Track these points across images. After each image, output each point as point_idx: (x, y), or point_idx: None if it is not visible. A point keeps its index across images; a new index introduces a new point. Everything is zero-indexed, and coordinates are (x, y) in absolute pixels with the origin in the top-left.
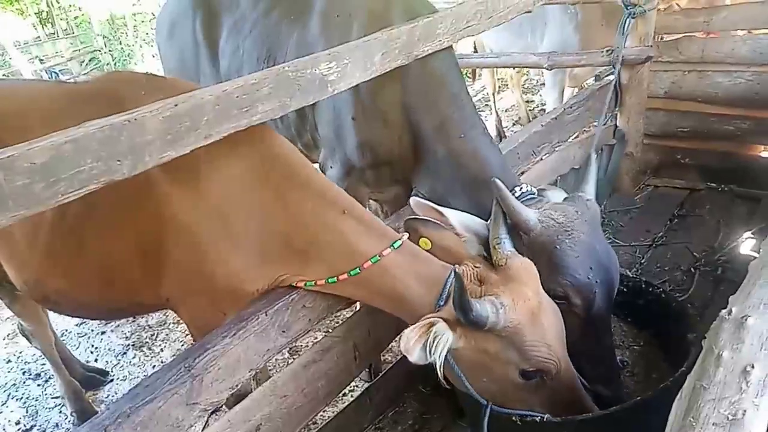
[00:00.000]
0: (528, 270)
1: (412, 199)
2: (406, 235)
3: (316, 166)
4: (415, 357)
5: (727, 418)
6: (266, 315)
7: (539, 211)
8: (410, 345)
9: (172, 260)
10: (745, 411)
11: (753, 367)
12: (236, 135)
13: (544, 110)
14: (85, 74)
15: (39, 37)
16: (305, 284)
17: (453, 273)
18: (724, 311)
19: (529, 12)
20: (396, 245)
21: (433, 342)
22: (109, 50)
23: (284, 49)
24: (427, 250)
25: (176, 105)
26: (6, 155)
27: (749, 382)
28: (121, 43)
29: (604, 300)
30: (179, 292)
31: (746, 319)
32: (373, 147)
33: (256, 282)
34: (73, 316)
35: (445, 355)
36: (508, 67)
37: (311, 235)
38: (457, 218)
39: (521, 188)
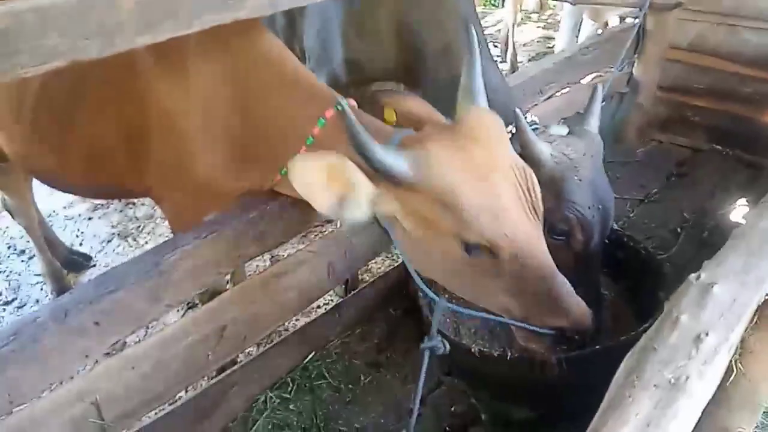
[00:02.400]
0: (486, 127)
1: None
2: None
3: None
4: (323, 204)
5: (670, 381)
6: (241, 221)
7: (551, 144)
8: (313, 186)
9: (154, 149)
10: (688, 377)
11: (707, 334)
12: (227, 30)
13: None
14: None
15: None
16: (281, 172)
17: (339, 105)
18: (693, 275)
19: None
20: (338, 108)
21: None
22: None
23: None
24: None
25: None
26: None
27: (699, 349)
28: None
29: (600, 237)
30: (160, 184)
31: (713, 287)
32: (361, 65)
33: (235, 181)
34: (65, 192)
35: (384, 226)
36: None
37: (292, 138)
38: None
39: (526, 119)
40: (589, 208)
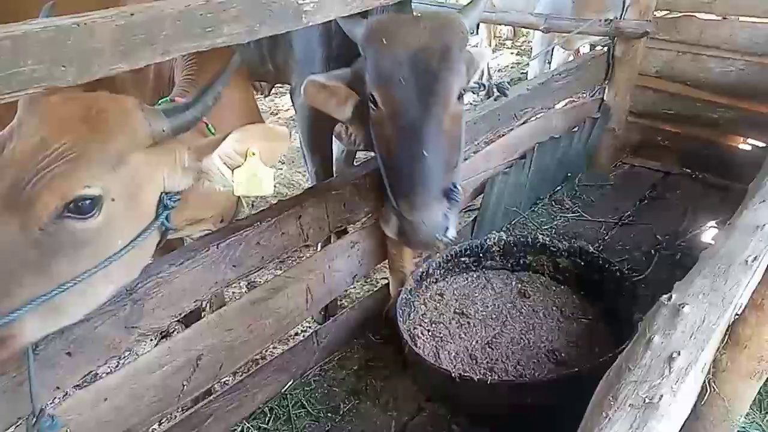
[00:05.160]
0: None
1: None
2: None
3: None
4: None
5: (644, 400)
6: (217, 248)
7: (374, 18)
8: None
9: None
10: (662, 396)
11: (679, 354)
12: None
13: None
14: None
15: None
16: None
17: None
18: (665, 297)
19: None
20: None
21: None
22: None
23: None
24: None
25: (132, 15)
26: None
27: (672, 369)
28: None
29: (416, 110)
30: None
31: (683, 307)
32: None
33: None
34: None
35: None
36: (506, 25)
37: None
38: (326, 75)
39: None
40: (394, 80)
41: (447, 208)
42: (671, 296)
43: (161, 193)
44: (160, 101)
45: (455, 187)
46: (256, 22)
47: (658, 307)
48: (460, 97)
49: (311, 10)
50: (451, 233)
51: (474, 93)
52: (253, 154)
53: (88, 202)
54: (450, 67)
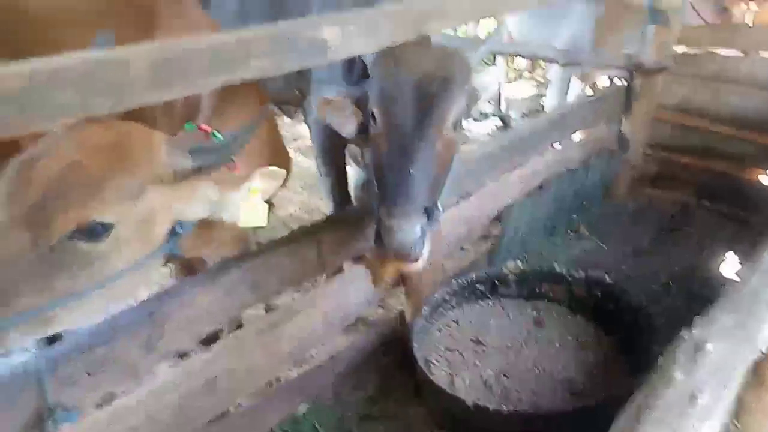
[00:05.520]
0: None
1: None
2: None
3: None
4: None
5: None
6: (238, 270)
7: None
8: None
9: None
10: None
11: (702, 392)
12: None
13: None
14: None
15: None
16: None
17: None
18: (686, 332)
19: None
20: None
21: None
22: None
23: None
24: None
25: (166, 49)
26: None
27: (695, 408)
28: None
29: (409, 131)
30: None
31: (705, 344)
32: None
33: None
34: None
35: None
36: (524, 57)
37: None
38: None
39: None
40: (390, 102)
41: (425, 223)
42: (692, 332)
43: (174, 221)
44: (186, 126)
45: (437, 207)
46: (283, 58)
47: (679, 343)
48: (456, 125)
49: (336, 47)
50: (425, 250)
51: (477, 121)
52: (257, 190)
53: (100, 227)
54: (447, 96)
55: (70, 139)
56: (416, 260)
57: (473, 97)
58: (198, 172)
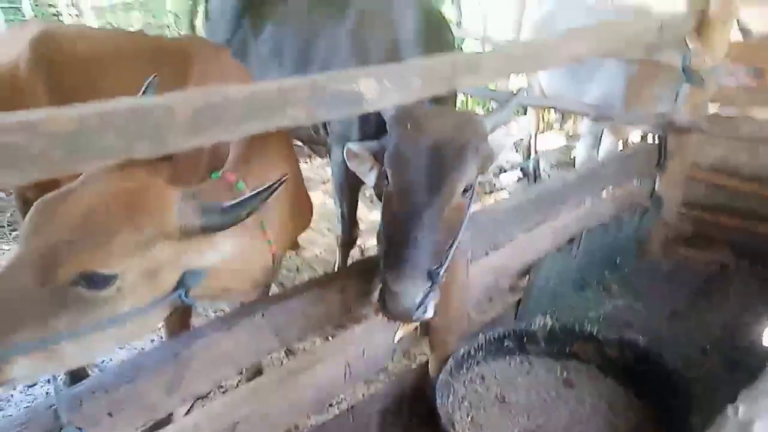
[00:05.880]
0: None
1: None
2: None
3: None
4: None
5: None
6: (262, 315)
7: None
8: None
9: None
10: None
11: None
12: None
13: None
14: None
15: (115, 4)
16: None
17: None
18: (731, 407)
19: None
20: None
21: None
22: (178, 28)
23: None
24: None
25: (207, 96)
26: (32, 118)
27: None
28: (192, 23)
29: (419, 197)
30: None
31: (753, 423)
32: None
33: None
34: None
35: None
36: (555, 109)
37: None
38: (360, 144)
39: None
40: (403, 163)
41: (429, 288)
42: (738, 408)
43: (183, 272)
44: (212, 175)
45: (440, 268)
46: (319, 108)
47: (724, 420)
48: (466, 191)
49: (371, 99)
50: (429, 313)
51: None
52: None
53: (101, 278)
54: (459, 164)
55: (94, 181)
56: (418, 321)
57: (489, 158)
58: (205, 233)
